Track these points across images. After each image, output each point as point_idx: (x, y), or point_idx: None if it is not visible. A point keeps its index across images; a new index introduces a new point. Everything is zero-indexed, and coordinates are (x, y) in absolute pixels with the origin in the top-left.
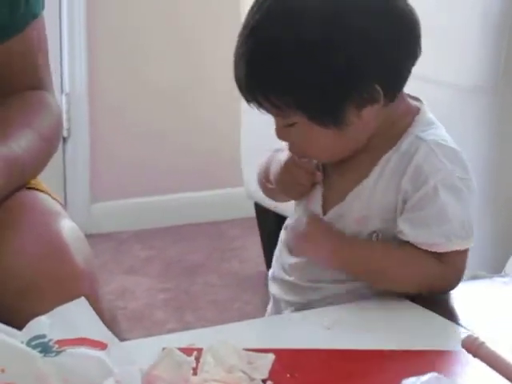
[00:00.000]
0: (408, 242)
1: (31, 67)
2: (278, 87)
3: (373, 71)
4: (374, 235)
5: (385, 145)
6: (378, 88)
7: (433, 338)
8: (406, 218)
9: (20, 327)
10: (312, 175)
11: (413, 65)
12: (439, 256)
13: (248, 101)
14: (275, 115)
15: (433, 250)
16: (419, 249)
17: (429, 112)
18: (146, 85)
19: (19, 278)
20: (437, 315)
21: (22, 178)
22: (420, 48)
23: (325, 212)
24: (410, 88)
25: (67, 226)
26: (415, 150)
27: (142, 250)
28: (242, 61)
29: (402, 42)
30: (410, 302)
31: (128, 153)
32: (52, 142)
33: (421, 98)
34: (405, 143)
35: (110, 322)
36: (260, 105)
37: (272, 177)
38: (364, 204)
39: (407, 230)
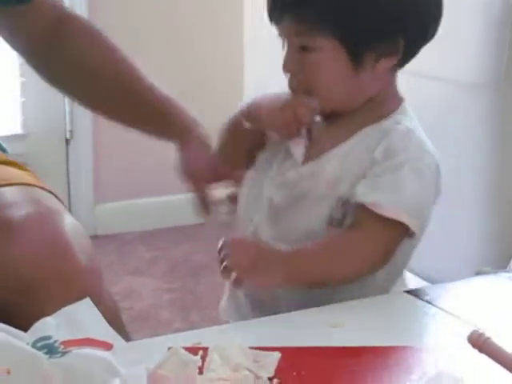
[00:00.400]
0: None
1: None
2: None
3: (406, 23)
4: (341, 203)
5: (368, 119)
6: (402, 42)
7: (437, 334)
8: (365, 181)
9: (25, 326)
10: (313, 112)
11: (432, 37)
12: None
13: (276, 7)
14: (299, 33)
15: (378, 212)
16: (356, 231)
17: (410, 109)
18: None
19: (24, 276)
20: (441, 310)
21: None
22: (439, 25)
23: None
24: (412, 84)
25: (69, 224)
26: (393, 130)
27: (147, 251)
28: None
29: (433, 10)
30: (414, 297)
31: (132, 154)
32: None
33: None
34: (386, 123)
35: (114, 319)
36: (290, 16)
37: (265, 112)
38: (336, 167)
39: (361, 190)
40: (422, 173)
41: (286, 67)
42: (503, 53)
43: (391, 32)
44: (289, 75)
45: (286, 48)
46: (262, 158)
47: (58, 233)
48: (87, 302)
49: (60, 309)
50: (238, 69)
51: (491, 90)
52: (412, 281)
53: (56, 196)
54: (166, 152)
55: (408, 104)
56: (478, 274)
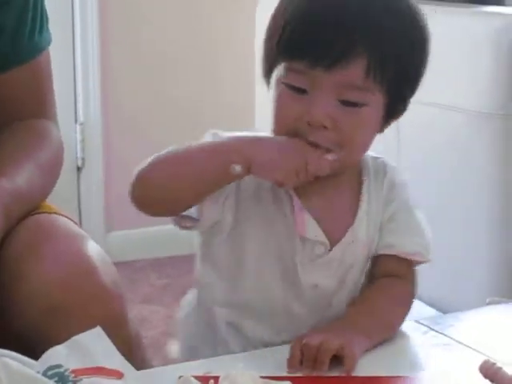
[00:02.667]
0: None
1: (34, 97)
2: (403, 53)
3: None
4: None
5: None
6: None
7: (448, 364)
8: (388, 230)
9: (48, 348)
10: (324, 160)
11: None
12: (406, 272)
13: (338, 50)
14: (348, 86)
15: (414, 259)
16: (399, 280)
17: None
18: (162, 112)
19: (47, 299)
20: (452, 340)
21: (24, 211)
22: None
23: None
24: (422, 113)
25: (93, 248)
26: (383, 168)
27: (158, 279)
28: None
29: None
30: (424, 327)
31: None
32: (52, 172)
33: None
34: (369, 166)
35: (137, 346)
36: (357, 62)
37: (271, 154)
38: (368, 227)
39: (393, 241)
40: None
41: (321, 121)
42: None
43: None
44: (316, 129)
45: (316, 98)
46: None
47: (84, 256)
48: (98, 330)
49: (84, 331)
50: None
51: (500, 119)
52: (423, 310)
53: (74, 222)
54: None
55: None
56: (489, 303)
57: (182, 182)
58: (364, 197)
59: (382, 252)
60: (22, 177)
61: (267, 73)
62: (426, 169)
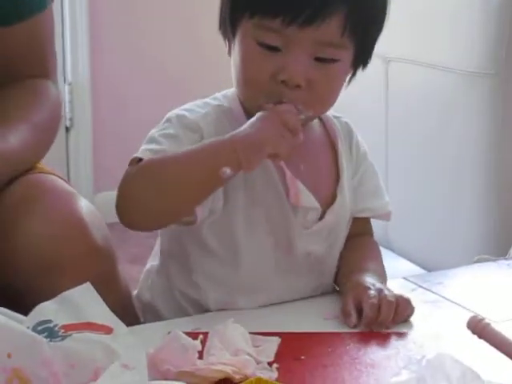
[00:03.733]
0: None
1: (35, 55)
2: (376, 11)
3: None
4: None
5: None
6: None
7: (436, 320)
8: (361, 194)
9: (37, 305)
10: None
11: None
12: (370, 228)
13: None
14: (323, 43)
15: (386, 219)
16: (366, 236)
17: None
18: (149, 73)
19: (39, 257)
20: (440, 297)
21: (17, 170)
22: None
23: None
24: (414, 73)
25: (85, 205)
26: (349, 131)
27: (147, 238)
28: None
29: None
30: (412, 284)
31: (131, 142)
32: (47, 132)
33: None
34: (338, 128)
35: (128, 303)
36: (332, 19)
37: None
38: (348, 191)
39: (369, 204)
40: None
41: (297, 80)
42: (503, 40)
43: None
44: (290, 88)
45: (290, 56)
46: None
47: (77, 213)
48: (88, 286)
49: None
50: None
51: (492, 78)
52: (411, 269)
53: (65, 180)
54: None
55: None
56: (477, 261)
57: (168, 189)
58: (342, 161)
59: (359, 215)
60: (15, 136)
61: (228, 26)
62: (412, 128)
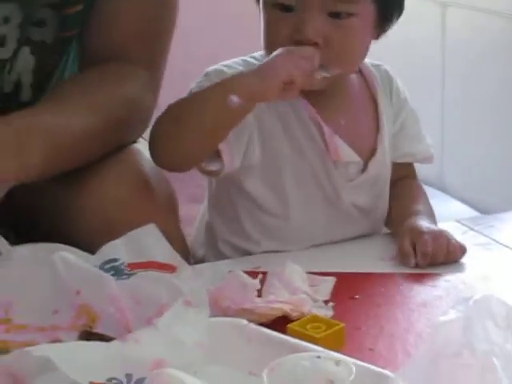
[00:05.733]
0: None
1: (137, 39)
2: None
3: None
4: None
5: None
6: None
7: (487, 264)
8: (403, 139)
9: None
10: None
11: None
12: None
13: None
14: None
15: (428, 162)
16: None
17: None
18: None
19: (104, 219)
20: (492, 240)
21: (68, 160)
22: None
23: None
24: (463, 18)
25: (149, 164)
26: (388, 78)
27: (205, 178)
28: None
29: None
30: (465, 227)
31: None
32: (117, 127)
33: None
34: (376, 77)
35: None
36: None
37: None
38: (390, 141)
39: (412, 149)
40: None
41: (313, 38)
42: None
43: None
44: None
45: (304, 15)
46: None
47: (141, 176)
48: (152, 226)
49: None
50: None
51: None
52: (464, 211)
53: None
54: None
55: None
56: None
57: (186, 127)
58: (381, 110)
59: (402, 160)
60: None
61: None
62: (471, 76)
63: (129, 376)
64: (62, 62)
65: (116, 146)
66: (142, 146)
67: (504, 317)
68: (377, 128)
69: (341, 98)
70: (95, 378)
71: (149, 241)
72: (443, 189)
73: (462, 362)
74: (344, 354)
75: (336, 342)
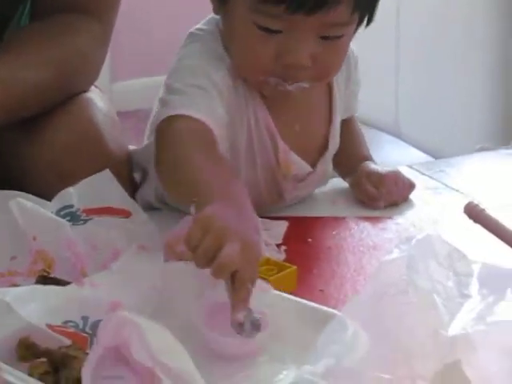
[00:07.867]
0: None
1: None
2: None
3: None
4: None
5: None
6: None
7: (436, 207)
8: (348, 99)
9: None
10: None
11: None
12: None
13: None
14: (332, 24)
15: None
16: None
17: None
18: None
19: (55, 165)
20: (442, 184)
21: (22, 110)
22: None
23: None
24: None
25: (101, 113)
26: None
27: None
28: None
29: None
30: (415, 171)
31: (150, 31)
32: (69, 79)
33: None
34: None
35: None
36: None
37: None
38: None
39: (354, 104)
40: None
41: (303, 62)
42: None
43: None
44: (295, 68)
45: (296, 38)
46: None
47: (93, 124)
48: (107, 172)
49: None
50: None
51: None
52: (415, 155)
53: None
54: (183, 29)
55: None
56: (479, 149)
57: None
58: (335, 98)
59: (347, 116)
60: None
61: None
62: (427, 23)
63: (85, 318)
64: (18, 13)
65: (68, 96)
66: (94, 95)
67: (446, 255)
68: (330, 118)
69: (299, 98)
70: (52, 320)
71: (104, 187)
72: (398, 135)
73: (405, 299)
74: (295, 296)
75: (288, 284)
